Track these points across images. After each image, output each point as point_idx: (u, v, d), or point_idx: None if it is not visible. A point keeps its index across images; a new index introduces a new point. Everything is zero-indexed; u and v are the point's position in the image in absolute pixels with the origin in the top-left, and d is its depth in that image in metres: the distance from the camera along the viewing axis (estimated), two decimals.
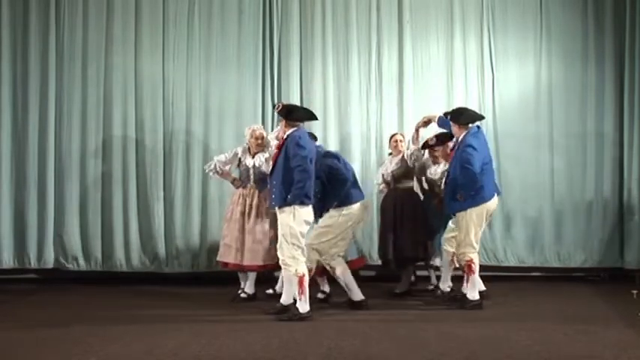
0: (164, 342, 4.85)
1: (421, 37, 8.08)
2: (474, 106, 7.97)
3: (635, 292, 6.63)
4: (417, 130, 6.86)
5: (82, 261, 7.68)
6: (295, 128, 5.80)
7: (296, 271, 5.60)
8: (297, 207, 5.59)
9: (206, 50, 7.91)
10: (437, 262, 6.85)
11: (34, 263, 7.64)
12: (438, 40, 8.10)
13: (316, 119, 6.37)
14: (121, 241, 7.72)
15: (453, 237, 6.28)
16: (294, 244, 5.60)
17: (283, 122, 5.84)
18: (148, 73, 7.85)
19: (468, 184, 6.04)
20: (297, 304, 5.65)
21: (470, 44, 8.08)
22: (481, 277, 7.48)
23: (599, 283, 7.82)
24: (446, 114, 6.52)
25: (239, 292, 6.64)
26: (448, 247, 6.35)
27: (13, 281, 7.49)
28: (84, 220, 7.71)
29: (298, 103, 7.90)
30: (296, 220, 5.60)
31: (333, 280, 6.39)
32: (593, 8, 8.05)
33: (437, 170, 6.82)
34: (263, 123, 7.81)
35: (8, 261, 7.61)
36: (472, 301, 6.13)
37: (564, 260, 7.93)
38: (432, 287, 6.94)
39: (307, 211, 5.69)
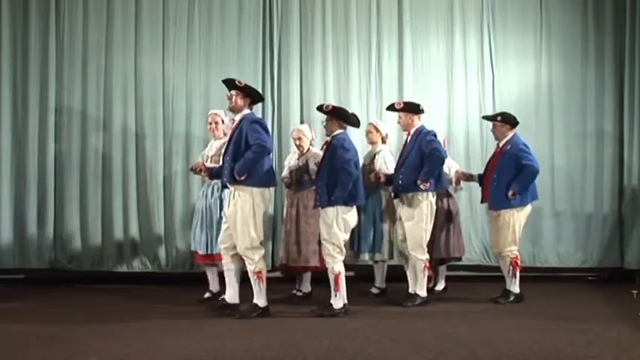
0: (164, 342, 4.85)
1: (421, 37, 8.09)
2: (473, 106, 8.04)
3: (635, 292, 6.64)
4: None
5: (82, 261, 7.67)
6: (342, 130, 5.97)
7: (333, 269, 5.81)
8: (339, 207, 5.77)
9: (206, 50, 7.91)
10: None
11: (33, 263, 7.63)
12: (438, 39, 8.10)
13: (359, 126, 6.41)
14: (121, 241, 7.71)
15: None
16: (334, 244, 5.79)
17: (332, 122, 5.97)
18: (148, 73, 7.84)
19: (527, 182, 6.39)
20: (332, 301, 5.84)
21: (470, 44, 8.09)
22: (481, 277, 7.54)
23: (599, 283, 7.83)
24: (486, 117, 6.86)
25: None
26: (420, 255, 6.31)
27: (13, 281, 7.49)
28: (84, 220, 7.70)
29: (298, 103, 7.94)
30: (338, 220, 5.78)
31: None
32: (593, 8, 8.06)
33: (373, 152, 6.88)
34: None
35: (8, 261, 7.60)
36: (516, 294, 6.49)
37: (564, 260, 7.94)
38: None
39: (350, 213, 5.86)
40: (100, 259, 7.70)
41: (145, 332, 5.19)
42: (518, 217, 6.46)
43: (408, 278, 6.40)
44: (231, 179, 5.60)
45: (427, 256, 6.30)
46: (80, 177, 7.73)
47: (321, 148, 6.38)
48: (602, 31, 8.03)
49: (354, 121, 6.19)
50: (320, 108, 6.12)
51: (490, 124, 6.79)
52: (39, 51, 7.73)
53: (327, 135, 6.08)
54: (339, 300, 5.83)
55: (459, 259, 7.19)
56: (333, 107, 6.08)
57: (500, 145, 6.63)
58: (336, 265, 5.81)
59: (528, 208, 6.55)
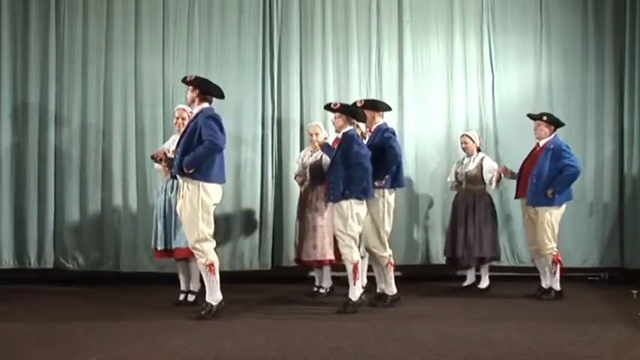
0: (164, 342, 4.85)
1: (421, 37, 8.10)
2: (474, 106, 8.04)
3: (635, 292, 6.64)
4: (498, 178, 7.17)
5: (82, 261, 7.67)
6: (351, 127, 6.10)
7: (352, 258, 5.95)
8: (352, 201, 5.92)
9: (206, 50, 7.91)
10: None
11: (34, 263, 7.62)
12: (438, 40, 8.12)
13: (365, 120, 6.46)
14: (121, 240, 7.71)
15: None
16: (349, 235, 5.93)
17: (341, 119, 6.08)
18: (148, 73, 7.84)
19: (568, 182, 6.58)
20: (350, 295, 5.97)
21: (470, 44, 8.10)
22: (481, 277, 7.53)
23: (599, 283, 7.84)
24: (531, 116, 6.90)
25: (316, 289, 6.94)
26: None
27: (13, 281, 7.48)
28: (84, 220, 7.70)
29: (298, 103, 7.94)
30: (351, 213, 5.92)
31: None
32: (593, 8, 8.08)
33: None
34: (262, 123, 7.83)
35: (8, 261, 7.59)
36: (557, 291, 6.65)
37: (564, 260, 7.88)
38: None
39: (361, 206, 6.02)
40: (100, 259, 7.70)
41: (145, 332, 5.18)
42: (555, 216, 6.62)
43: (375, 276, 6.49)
44: (180, 171, 5.63)
45: (390, 252, 6.34)
46: (80, 177, 7.73)
47: (332, 145, 6.40)
48: (602, 31, 8.04)
49: (363, 117, 6.26)
50: (328, 106, 6.24)
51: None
52: (39, 51, 7.73)
53: (337, 131, 6.20)
54: (357, 290, 5.98)
55: (499, 258, 7.41)
56: (341, 105, 6.21)
57: (541, 144, 6.75)
58: (354, 254, 5.96)
59: (564, 207, 6.69)
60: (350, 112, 6.13)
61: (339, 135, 6.14)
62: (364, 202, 6.04)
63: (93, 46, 7.79)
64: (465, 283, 7.34)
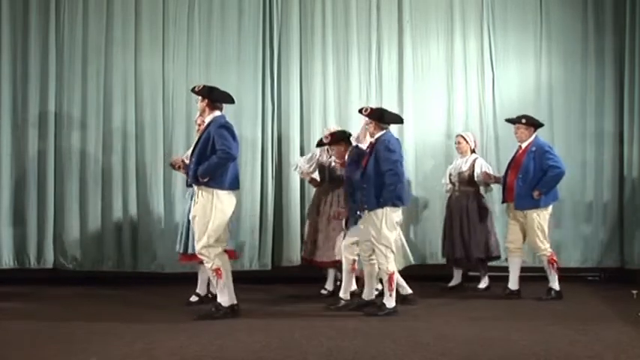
0: (164, 342, 4.85)
1: (421, 37, 8.10)
2: (474, 106, 8.04)
3: (635, 292, 6.64)
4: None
5: (81, 261, 7.67)
6: (384, 131, 5.99)
7: (387, 269, 5.84)
8: (388, 209, 5.80)
9: (206, 50, 7.91)
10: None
11: (33, 263, 7.62)
12: (438, 40, 8.12)
13: (402, 122, 6.49)
14: (120, 241, 7.71)
15: (353, 244, 6.19)
16: (385, 245, 5.82)
17: (372, 125, 6.00)
18: (148, 73, 7.84)
19: (553, 183, 6.60)
20: (385, 300, 5.88)
21: (470, 44, 8.10)
22: (481, 277, 7.53)
23: (599, 283, 7.84)
24: (510, 120, 6.92)
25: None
26: (348, 255, 6.21)
27: (13, 281, 7.49)
28: (84, 220, 7.69)
29: (298, 103, 7.94)
30: (387, 223, 5.81)
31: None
32: (593, 8, 8.07)
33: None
34: (262, 123, 7.83)
35: (8, 261, 7.59)
36: (557, 291, 6.66)
37: (564, 260, 7.92)
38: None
39: (397, 213, 5.93)
40: (100, 259, 7.69)
41: (145, 332, 5.18)
42: (543, 217, 6.64)
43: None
44: (195, 180, 5.67)
45: (352, 257, 6.22)
46: (80, 177, 7.72)
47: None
48: (602, 31, 8.04)
49: (393, 119, 6.17)
50: (360, 112, 6.17)
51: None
52: (39, 51, 7.72)
53: (371, 137, 6.10)
54: (391, 299, 5.88)
55: (498, 257, 7.34)
56: (371, 109, 6.10)
57: (523, 146, 6.75)
58: (390, 264, 5.86)
59: (550, 208, 6.71)
60: (376, 116, 6.00)
61: (373, 140, 6.02)
62: (400, 208, 5.95)
63: (93, 45, 7.79)
64: (451, 284, 7.31)
